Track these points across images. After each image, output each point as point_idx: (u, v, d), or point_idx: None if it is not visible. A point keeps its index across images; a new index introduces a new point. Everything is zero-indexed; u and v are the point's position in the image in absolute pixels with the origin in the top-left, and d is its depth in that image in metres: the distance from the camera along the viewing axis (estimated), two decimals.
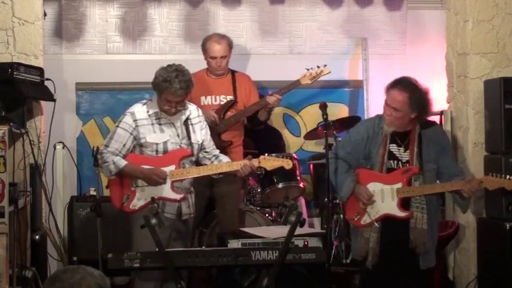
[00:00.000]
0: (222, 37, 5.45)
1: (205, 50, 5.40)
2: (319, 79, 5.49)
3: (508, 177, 4.31)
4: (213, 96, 5.40)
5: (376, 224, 4.33)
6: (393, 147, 4.39)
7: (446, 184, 4.34)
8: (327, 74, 5.49)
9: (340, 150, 4.52)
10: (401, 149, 4.38)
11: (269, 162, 4.50)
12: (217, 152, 4.70)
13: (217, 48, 5.36)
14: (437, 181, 4.44)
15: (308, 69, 5.45)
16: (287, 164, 4.51)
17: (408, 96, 4.26)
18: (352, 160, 4.46)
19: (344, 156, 4.47)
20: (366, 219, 4.38)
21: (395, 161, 4.38)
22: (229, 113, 5.40)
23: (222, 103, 5.40)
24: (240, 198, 5.59)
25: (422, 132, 4.38)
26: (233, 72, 5.51)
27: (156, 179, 4.38)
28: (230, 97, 5.42)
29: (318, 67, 5.44)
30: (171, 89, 4.33)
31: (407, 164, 4.34)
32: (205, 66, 5.49)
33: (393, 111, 4.30)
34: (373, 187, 4.37)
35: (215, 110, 5.33)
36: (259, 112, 5.46)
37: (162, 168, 4.40)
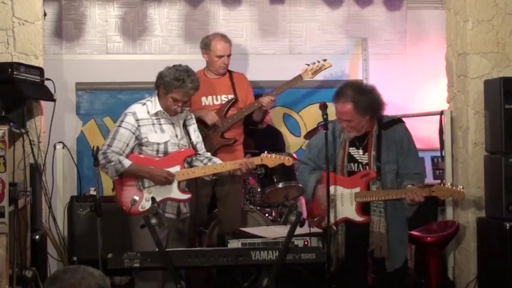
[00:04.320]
0: (225, 36, 5.50)
1: (210, 49, 5.40)
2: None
3: (459, 187, 4.28)
4: (214, 96, 5.41)
5: (334, 228, 4.28)
6: (353, 150, 4.34)
7: (400, 191, 4.23)
8: (328, 67, 5.59)
9: (302, 156, 4.63)
10: (360, 151, 4.33)
11: (270, 159, 4.54)
12: (208, 154, 4.71)
13: (225, 47, 5.40)
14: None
15: (308, 64, 5.54)
16: (287, 161, 4.56)
17: (353, 105, 4.18)
18: (313, 165, 4.47)
19: (306, 160, 4.52)
20: (326, 222, 4.30)
21: (356, 164, 4.33)
22: (230, 112, 5.41)
23: (223, 102, 5.40)
24: (241, 198, 5.61)
25: (383, 132, 4.30)
26: (230, 71, 5.53)
27: (164, 181, 4.37)
28: (231, 96, 5.43)
29: (318, 61, 5.54)
30: (184, 88, 4.34)
31: (368, 167, 4.29)
32: (203, 66, 5.49)
33: (347, 123, 4.26)
34: (334, 190, 4.31)
35: (215, 110, 5.33)
36: (254, 113, 5.48)
37: (168, 169, 4.40)
